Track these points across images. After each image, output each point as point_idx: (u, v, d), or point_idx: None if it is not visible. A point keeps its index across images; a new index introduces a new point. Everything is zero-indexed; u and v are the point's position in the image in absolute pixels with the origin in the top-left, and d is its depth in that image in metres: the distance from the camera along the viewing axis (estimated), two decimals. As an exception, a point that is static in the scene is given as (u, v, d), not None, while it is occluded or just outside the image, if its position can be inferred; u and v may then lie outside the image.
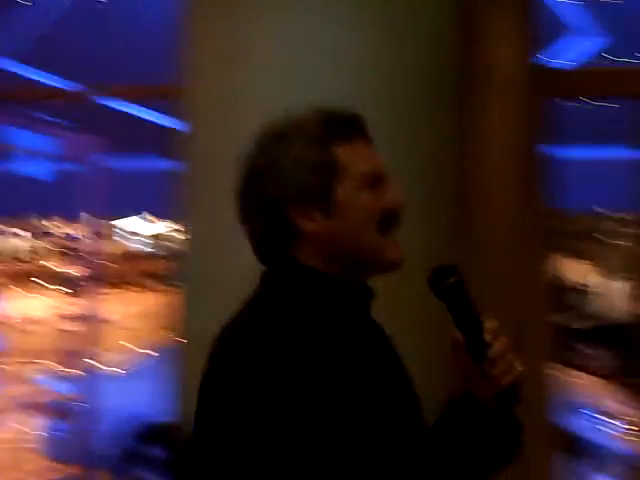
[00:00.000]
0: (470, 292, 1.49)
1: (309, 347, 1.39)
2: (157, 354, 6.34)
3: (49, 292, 15.14)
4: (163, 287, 13.46)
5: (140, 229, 24.69)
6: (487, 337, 1.48)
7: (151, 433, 5.55)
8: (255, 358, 1.36)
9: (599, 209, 14.42)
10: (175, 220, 5.44)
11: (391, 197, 1.53)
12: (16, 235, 23.27)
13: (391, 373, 1.53)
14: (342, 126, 1.52)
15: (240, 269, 1.79)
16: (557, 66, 3.77)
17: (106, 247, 7.91)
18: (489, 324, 1.49)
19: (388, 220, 1.52)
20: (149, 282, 17.86)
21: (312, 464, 1.33)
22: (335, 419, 1.36)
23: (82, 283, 5.71)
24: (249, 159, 1.54)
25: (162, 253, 21.19)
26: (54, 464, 5.95)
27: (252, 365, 1.35)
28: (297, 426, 1.33)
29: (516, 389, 1.50)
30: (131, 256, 20.84)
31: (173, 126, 3.03)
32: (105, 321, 7.57)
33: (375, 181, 1.52)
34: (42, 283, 16.41)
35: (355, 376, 1.42)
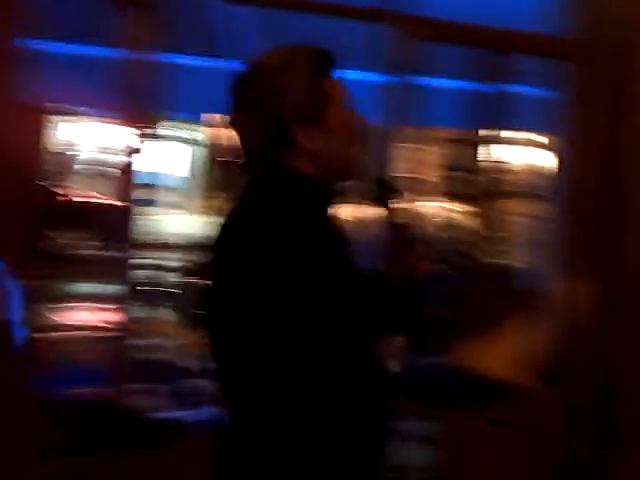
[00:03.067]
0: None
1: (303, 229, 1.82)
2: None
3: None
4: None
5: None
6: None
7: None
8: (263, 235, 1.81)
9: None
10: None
11: (358, 116, 1.97)
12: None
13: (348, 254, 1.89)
14: (327, 62, 1.94)
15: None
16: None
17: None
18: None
19: (359, 134, 1.98)
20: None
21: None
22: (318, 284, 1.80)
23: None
24: (256, 85, 1.91)
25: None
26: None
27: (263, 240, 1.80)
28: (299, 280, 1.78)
29: (413, 278, 2.04)
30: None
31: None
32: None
33: (348, 105, 1.95)
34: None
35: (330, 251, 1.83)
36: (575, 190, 3.94)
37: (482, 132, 4.72)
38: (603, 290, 3.86)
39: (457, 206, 4.99)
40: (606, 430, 3.94)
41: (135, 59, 3.17)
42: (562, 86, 4.07)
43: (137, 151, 3.80)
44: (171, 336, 5.22)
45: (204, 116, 5.91)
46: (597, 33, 3.88)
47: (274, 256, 1.77)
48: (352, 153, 1.96)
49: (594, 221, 3.87)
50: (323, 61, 1.93)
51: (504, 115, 4.13)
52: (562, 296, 3.92)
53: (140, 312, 4.12)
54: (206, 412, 3.51)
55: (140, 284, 4.33)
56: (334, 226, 1.94)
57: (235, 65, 5.39)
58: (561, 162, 4.06)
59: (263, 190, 1.91)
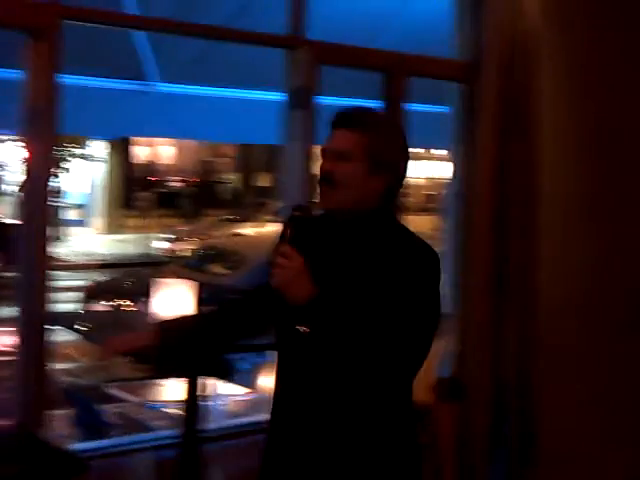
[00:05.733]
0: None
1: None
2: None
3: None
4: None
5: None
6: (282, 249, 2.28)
7: None
8: None
9: None
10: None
11: (321, 166, 2.40)
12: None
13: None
14: (333, 120, 2.39)
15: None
16: None
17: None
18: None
19: (321, 179, 2.39)
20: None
21: None
22: None
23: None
24: None
25: None
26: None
27: None
28: None
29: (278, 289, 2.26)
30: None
31: None
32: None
33: (322, 154, 2.41)
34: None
35: None
36: (467, 202, 4.07)
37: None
38: (498, 304, 3.97)
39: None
40: (524, 449, 4.04)
41: (36, 81, 3.16)
42: (454, 104, 4.20)
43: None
44: (78, 359, 5.10)
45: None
46: (484, 56, 4.02)
47: None
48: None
49: (485, 233, 3.99)
50: (332, 120, 2.41)
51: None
52: (458, 312, 4.02)
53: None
54: (112, 442, 3.48)
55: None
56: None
57: (140, 87, 5.25)
58: (454, 176, 4.19)
59: None
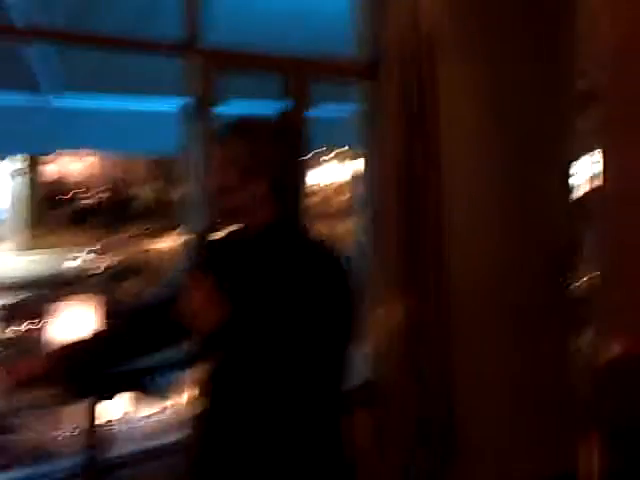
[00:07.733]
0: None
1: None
2: None
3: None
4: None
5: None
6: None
7: None
8: None
9: None
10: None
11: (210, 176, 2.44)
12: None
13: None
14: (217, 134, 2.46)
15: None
16: None
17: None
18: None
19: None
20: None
21: None
22: None
23: None
24: None
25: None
26: None
27: None
28: None
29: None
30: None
31: None
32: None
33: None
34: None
35: None
36: (374, 202, 4.04)
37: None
38: (416, 304, 3.94)
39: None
40: (445, 447, 4.02)
41: None
42: (357, 103, 4.17)
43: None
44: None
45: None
46: (385, 53, 4.00)
47: None
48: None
49: (394, 233, 3.96)
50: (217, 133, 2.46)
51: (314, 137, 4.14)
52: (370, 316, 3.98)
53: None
54: (17, 474, 3.34)
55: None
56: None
57: (36, 102, 5.16)
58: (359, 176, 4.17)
59: None
